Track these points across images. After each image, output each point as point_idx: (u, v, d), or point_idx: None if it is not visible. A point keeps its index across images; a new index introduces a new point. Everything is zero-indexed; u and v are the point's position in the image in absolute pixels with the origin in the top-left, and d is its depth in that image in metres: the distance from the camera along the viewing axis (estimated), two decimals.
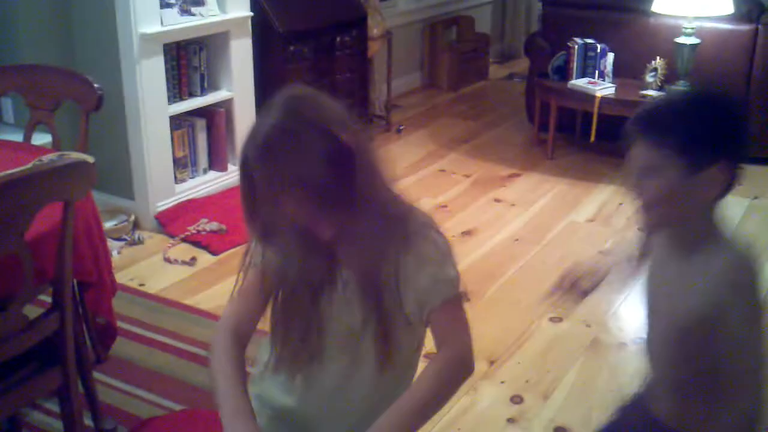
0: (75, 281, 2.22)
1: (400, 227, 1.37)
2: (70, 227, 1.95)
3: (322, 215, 1.33)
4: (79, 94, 2.61)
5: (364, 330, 1.41)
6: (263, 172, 1.30)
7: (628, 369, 2.83)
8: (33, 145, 2.67)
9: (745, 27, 4.62)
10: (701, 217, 1.34)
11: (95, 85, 2.57)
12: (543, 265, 3.55)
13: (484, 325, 2.97)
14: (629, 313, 3.22)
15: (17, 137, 2.87)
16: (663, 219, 1.34)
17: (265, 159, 1.30)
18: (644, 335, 1.52)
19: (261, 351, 1.58)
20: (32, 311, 1.98)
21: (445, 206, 4.17)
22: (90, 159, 1.97)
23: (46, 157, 2.26)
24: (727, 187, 1.31)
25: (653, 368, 1.50)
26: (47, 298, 2.04)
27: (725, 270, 1.30)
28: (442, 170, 4.71)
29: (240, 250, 3.55)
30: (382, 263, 1.36)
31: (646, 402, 1.53)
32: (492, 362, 2.79)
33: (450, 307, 1.40)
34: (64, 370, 2.03)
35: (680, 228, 1.35)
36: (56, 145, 2.70)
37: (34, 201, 1.80)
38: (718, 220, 1.35)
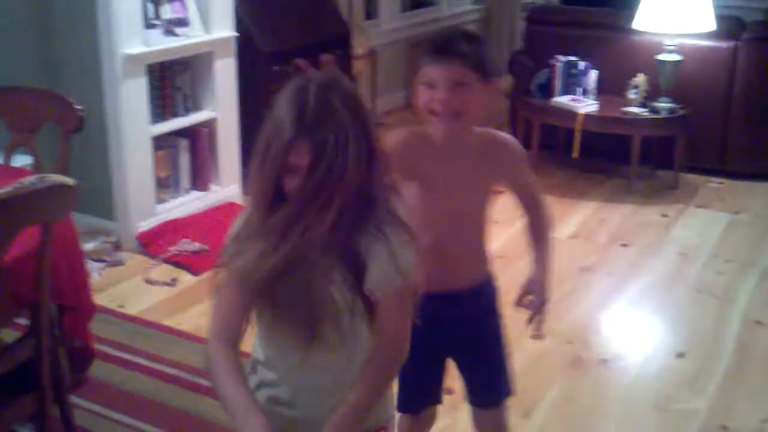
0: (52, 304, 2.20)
1: (381, 210, 1.43)
2: (49, 251, 1.94)
3: (340, 195, 1.36)
4: (60, 116, 2.60)
5: (353, 308, 1.46)
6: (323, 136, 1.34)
7: (610, 385, 2.83)
8: (12, 168, 2.66)
9: (725, 44, 4.67)
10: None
11: (76, 107, 2.56)
12: None
13: None
14: (611, 329, 3.22)
15: None
16: (466, 121, 1.77)
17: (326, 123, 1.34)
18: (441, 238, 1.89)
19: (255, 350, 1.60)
20: (8, 334, 1.96)
21: None
22: (70, 181, 1.96)
23: (26, 180, 2.26)
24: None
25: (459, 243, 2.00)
26: (23, 321, 2.03)
27: (507, 139, 1.96)
28: None
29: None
30: (359, 243, 1.42)
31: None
32: None
33: (401, 296, 1.46)
34: (39, 395, 2.01)
35: (468, 127, 1.82)
36: (37, 168, 2.68)
37: (13, 224, 1.79)
38: None
